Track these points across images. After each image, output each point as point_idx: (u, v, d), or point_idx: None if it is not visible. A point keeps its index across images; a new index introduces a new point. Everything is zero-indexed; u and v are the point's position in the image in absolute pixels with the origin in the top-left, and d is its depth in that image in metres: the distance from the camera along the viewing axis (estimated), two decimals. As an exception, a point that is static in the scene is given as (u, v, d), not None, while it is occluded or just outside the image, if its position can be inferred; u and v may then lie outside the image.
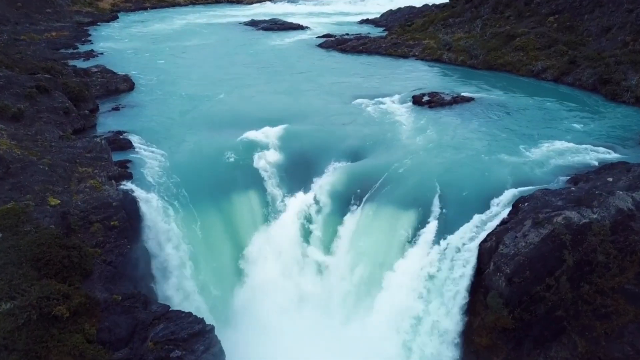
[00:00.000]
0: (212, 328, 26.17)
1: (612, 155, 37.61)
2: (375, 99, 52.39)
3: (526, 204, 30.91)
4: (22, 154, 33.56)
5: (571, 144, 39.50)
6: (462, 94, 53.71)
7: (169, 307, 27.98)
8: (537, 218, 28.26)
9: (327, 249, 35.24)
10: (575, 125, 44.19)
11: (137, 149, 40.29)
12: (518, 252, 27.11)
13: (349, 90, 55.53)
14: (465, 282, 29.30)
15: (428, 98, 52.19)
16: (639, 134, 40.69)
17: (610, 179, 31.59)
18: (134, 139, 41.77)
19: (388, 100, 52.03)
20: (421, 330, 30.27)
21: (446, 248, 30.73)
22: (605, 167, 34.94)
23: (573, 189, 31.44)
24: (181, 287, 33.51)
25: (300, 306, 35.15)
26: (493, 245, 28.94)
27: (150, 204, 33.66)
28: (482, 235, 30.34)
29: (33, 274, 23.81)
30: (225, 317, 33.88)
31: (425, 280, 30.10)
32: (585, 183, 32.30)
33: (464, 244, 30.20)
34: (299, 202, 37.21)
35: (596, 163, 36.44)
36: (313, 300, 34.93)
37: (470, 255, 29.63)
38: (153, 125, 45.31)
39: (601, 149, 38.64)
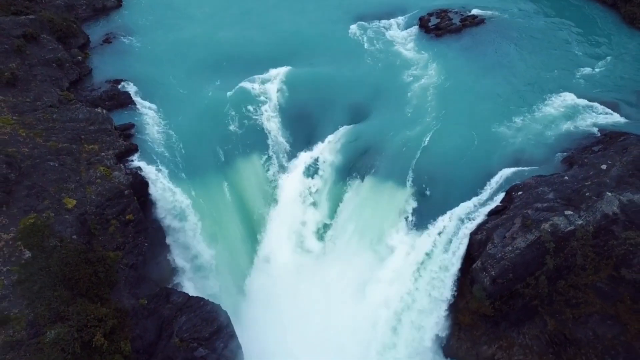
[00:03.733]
0: (229, 322, 29.89)
1: (614, 119, 37.53)
2: (379, 22, 49.61)
3: (520, 192, 32.47)
4: (28, 135, 33.90)
5: (577, 100, 39.17)
6: (473, 12, 50.71)
7: (188, 295, 31.41)
8: (527, 218, 30.13)
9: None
10: (584, 68, 42.87)
11: (136, 105, 40.07)
12: (504, 257, 29.58)
13: (352, 7, 51.90)
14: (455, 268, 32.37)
15: (436, 21, 49.45)
16: (643, 92, 39.80)
17: (604, 167, 32.46)
18: (132, 91, 41.21)
19: (393, 24, 49.34)
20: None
21: (440, 232, 33.12)
22: (604, 141, 35.46)
23: (566, 177, 32.53)
24: (193, 251, 36.47)
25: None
26: (483, 239, 31.31)
27: (157, 181, 35.01)
28: (478, 221, 32.51)
29: (67, 294, 26.63)
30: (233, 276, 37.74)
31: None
32: (580, 167, 33.20)
33: (454, 233, 32.51)
34: (303, 162, 38.63)
35: (596, 131, 36.73)
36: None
37: (461, 244, 32.14)
38: (148, 68, 43.94)
39: (605, 108, 38.32)
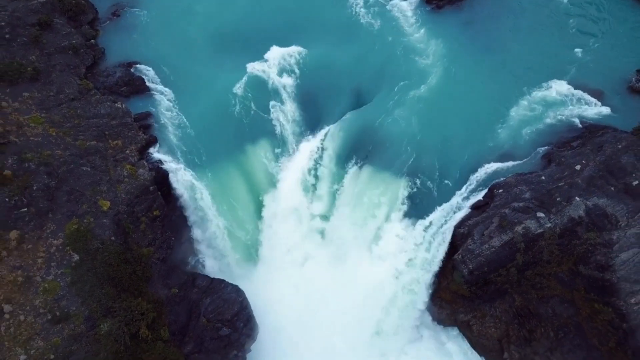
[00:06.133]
0: (247, 303, 35.63)
1: (597, 110, 40.22)
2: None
3: (500, 190, 36.58)
4: (58, 135, 37.33)
5: (565, 89, 41.52)
6: (476, -22, 50.65)
7: (211, 278, 36.92)
8: (504, 219, 34.60)
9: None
10: (577, 50, 44.42)
11: (151, 91, 42.59)
12: (481, 253, 34.47)
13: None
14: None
15: (438, -10, 49.69)
16: (628, 80, 41.74)
17: (578, 167, 36.12)
18: (145, 74, 43.42)
19: (394, -5, 49.71)
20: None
21: (429, 224, 37.75)
22: (583, 135, 38.69)
23: (543, 177, 36.34)
24: (212, 226, 41.29)
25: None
26: (465, 233, 36.02)
27: (177, 171, 38.90)
28: (462, 215, 37.01)
29: (112, 291, 32.02)
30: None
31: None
32: (557, 166, 36.87)
33: (441, 225, 37.18)
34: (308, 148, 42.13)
35: (579, 123, 39.71)
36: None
37: (446, 235, 36.94)
38: (158, 46, 45.52)
39: (591, 98, 40.86)
